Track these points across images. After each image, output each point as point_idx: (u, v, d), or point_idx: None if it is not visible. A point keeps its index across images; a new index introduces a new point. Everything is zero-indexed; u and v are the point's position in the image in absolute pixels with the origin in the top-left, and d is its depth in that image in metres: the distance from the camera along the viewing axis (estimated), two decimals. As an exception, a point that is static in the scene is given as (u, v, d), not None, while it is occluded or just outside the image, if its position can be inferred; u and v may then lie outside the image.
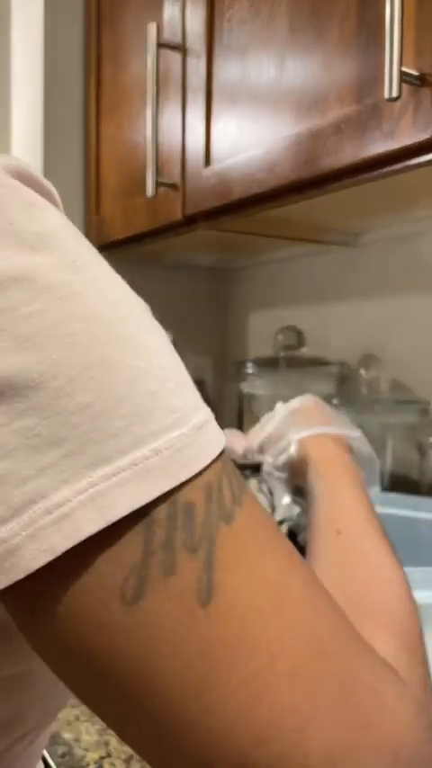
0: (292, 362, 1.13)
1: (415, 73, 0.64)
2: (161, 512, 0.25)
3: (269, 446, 0.58)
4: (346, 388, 1.12)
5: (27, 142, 1.36)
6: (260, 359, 1.19)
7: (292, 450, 0.54)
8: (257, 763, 0.24)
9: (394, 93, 0.62)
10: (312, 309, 1.27)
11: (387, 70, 0.62)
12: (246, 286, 1.45)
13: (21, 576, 0.23)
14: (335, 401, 1.03)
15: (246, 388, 1.20)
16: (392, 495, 0.86)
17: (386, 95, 0.63)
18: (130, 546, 0.24)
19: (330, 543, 0.43)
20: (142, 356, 0.26)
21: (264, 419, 0.61)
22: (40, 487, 0.23)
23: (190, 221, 1.02)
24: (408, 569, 0.57)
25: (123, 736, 0.27)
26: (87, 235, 1.45)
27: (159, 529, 0.25)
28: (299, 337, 1.17)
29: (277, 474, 0.56)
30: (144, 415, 0.25)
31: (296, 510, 0.55)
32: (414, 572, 0.56)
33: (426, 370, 1.05)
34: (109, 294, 0.27)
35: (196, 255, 1.35)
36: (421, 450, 0.89)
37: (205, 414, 0.27)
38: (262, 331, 1.38)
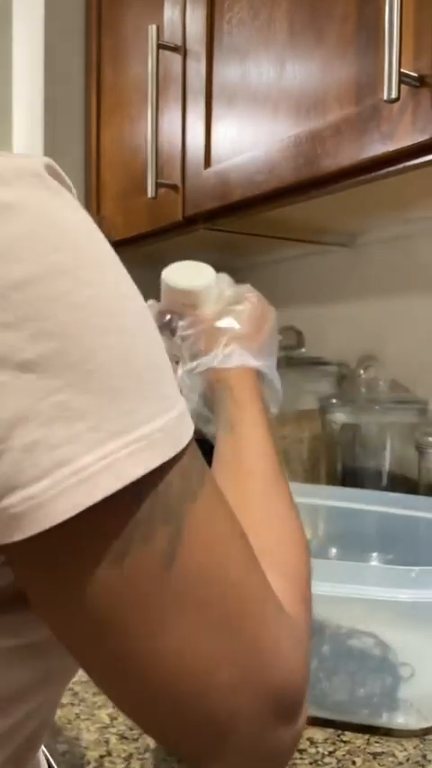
0: (292, 362, 1.14)
1: (414, 74, 0.64)
2: (151, 485, 0.29)
3: (197, 342, 0.61)
4: (345, 388, 1.13)
5: (28, 143, 1.36)
6: (260, 359, 1.19)
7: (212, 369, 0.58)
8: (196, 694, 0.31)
9: (393, 95, 0.63)
10: (311, 310, 1.28)
11: (386, 72, 0.63)
12: (245, 287, 1.46)
13: (47, 526, 0.27)
14: (334, 401, 1.03)
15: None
16: (391, 495, 0.86)
17: (385, 97, 0.63)
18: (126, 512, 0.29)
19: (244, 483, 0.48)
20: (150, 350, 0.31)
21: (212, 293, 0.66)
22: (69, 453, 0.28)
23: (190, 222, 1.02)
24: (407, 568, 0.57)
25: (99, 681, 0.32)
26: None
27: (147, 499, 0.29)
28: (298, 337, 1.17)
29: (191, 373, 0.60)
30: (150, 399, 0.30)
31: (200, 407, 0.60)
32: (412, 571, 0.57)
33: (424, 371, 1.06)
34: (124, 289, 0.32)
35: (196, 256, 1.35)
36: (420, 449, 0.90)
37: (183, 402, 0.32)
38: (262, 331, 1.38)
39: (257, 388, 0.56)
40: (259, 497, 0.47)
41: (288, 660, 0.33)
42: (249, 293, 0.65)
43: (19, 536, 0.28)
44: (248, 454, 0.50)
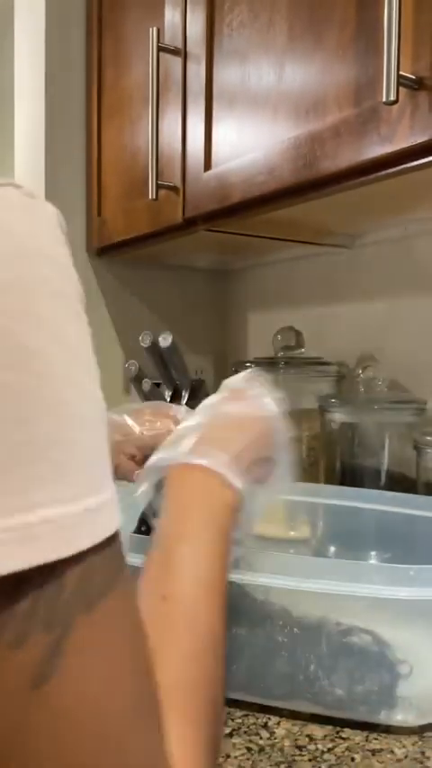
0: (291, 363, 1.14)
1: (412, 77, 0.64)
2: (32, 582, 0.25)
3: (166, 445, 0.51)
4: (344, 388, 1.13)
5: (30, 145, 1.37)
6: (259, 359, 1.20)
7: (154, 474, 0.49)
8: None
9: (392, 97, 0.63)
10: (311, 310, 1.28)
11: (385, 74, 0.63)
12: (245, 287, 1.46)
13: None
14: (333, 401, 1.03)
15: (245, 388, 1.20)
16: (390, 494, 0.87)
17: (384, 99, 0.64)
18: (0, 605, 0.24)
19: (152, 608, 0.37)
20: (70, 425, 0.26)
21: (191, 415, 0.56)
22: None
23: (190, 223, 1.02)
24: (405, 567, 0.58)
25: None
26: (89, 236, 1.46)
27: (25, 598, 0.25)
28: (298, 338, 1.18)
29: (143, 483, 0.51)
30: (41, 483, 0.25)
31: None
32: (410, 569, 0.57)
33: (423, 370, 1.06)
34: (73, 362, 0.27)
35: (196, 257, 1.36)
36: (418, 448, 0.90)
37: (107, 495, 0.27)
38: (261, 332, 1.39)
39: (219, 501, 0.45)
40: (168, 630, 0.37)
41: None
42: (251, 380, 0.55)
43: None
44: (173, 575, 0.40)
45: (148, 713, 0.28)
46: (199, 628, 0.37)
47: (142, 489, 0.51)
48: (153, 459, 0.50)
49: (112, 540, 0.28)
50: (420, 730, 0.60)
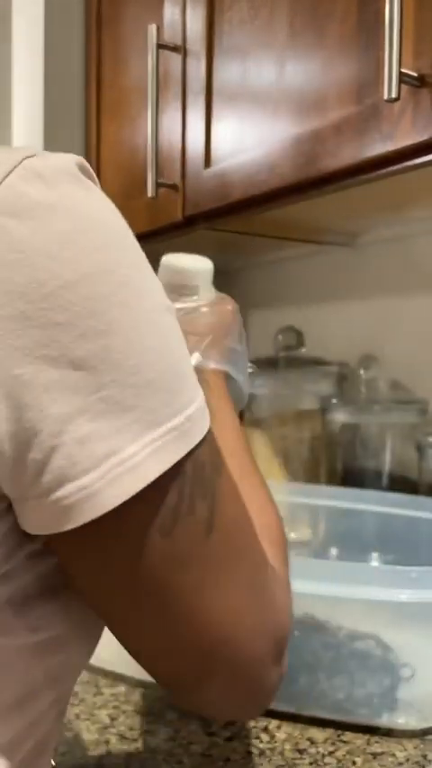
0: (292, 362, 1.14)
1: (414, 74, 0.64)
2: (188, 466, 0.32)
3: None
4: (345, 388, 1.13)
5: (28, 142, 1.36)
6: (260, 359, 1.19)
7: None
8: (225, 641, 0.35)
9: (393, 95, 0.63)
10: (312, 310, 1.28)
11: (386, 71, 0.63)
12: (245, 286, 1.46)
13: (99, 514, 0.30)
14: (335, 401, 1.03)
15: (245, 387, 1.20)
16: (391, 495, 0.86)
17: (385, 96, 0.63)
18: (172, 491, 0.32)
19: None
20: (178, 345, 0.34)
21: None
22: (117, 443, 0.30)
23: (190, 222, 1.02)
24: (407, 569, 0.57)
25: (131, 639, 0.36)
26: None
27: (187, 479, 0.32)
28: (298, 337, 1.17)
29: None
30: (182, 391, 0.33)
31: None
32: (412, 572, 0.56)
33: (424, 370, 1.06)
34: (155, 286, 0.34)
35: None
36: (420, 449, 0.90)
37: (201, 392, 0.35)
38: (262, 331, 1.38)
39: (226, 391, 0.57)
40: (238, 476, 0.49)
41: (284, 608, 0.39)
42: (224, 297, 0.66)
43: (71, 525, 0.30)
44: (231, 440, 0.51)
45: (258, 532, 0.38)
46: (259, 478, 0.50)
47: None
48: None
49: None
50: (422, 733, 0.59)
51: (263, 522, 0.44)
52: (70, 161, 0.33)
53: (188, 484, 0.33)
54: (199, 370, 0.57)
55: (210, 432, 0.35)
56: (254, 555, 0.37)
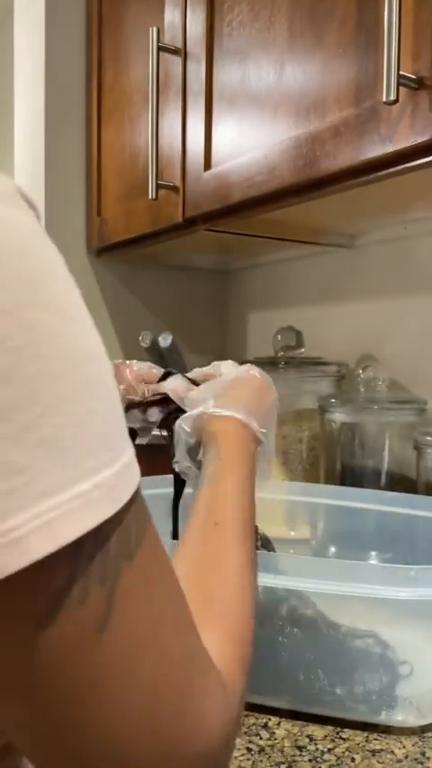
0: (291, 363, 1.14)
1: (413, 76, 0.64)
2: (88, 544, 0.27)
3: (193, 403, 0.61)
4: (344, 388, 1.13)
5: (29, 145, 1.37)
6: (259, 359, 1.20)
7: (193, 423, 0.58)
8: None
9: (392, 97, 0.63)
10: (311, 310, 1.28)
11: (385, 74, 0.63)
12: (245, 287, 1.46)
13: None
14: (333, 401, 1.03)
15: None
16: (390, 494, 0.87)
17: (384, 99, 0.64)
18: (58, 573, 0.27)
19: (207, 533, 0.47)
20: (99, 396, 0.28)
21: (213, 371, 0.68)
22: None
23: (190, 223, 1.02)
24: (405, 567, 0.58)
25: (23, 740, 0.30)
26: (89, 237, 1.46)
27: (84, 560, 0.27)
28: (298, 338, 1.18)
29: (185, 429, 0.59)
30: (91, 451, 0.27)
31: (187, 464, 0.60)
32: (411, 570, 0.57)
33: (423, 370, 1.06)
34: (73, 331, 0.28)
35: (196, 257, 1.36)
36: (418, 448, 0.90)
37: (130, 452, 0.30)
38: (261, 331, 1.39)
39: (249, 448, 0.55)
40: (222, 549, 0.45)
41: (211, 728, 0.32)
42: (252, 369, 0.65)
43: None
44: (222, 505, 0.49)
45: (187, 625, 0.33)
46: (246, 545, 0.46)
47: (179, 456, 0.60)
48: (189, 411, 0.59)
49: (138, 490, 0.30)
50: (421, 731, 0.60)
51: (227, 609, 0.41)
52: (9, 184, 0.28)
53: (83, 567, 0.27)
54: (214, 421, 0.56)
55: (133, 501, 0.29)
56: (169, 660, 0.31)
